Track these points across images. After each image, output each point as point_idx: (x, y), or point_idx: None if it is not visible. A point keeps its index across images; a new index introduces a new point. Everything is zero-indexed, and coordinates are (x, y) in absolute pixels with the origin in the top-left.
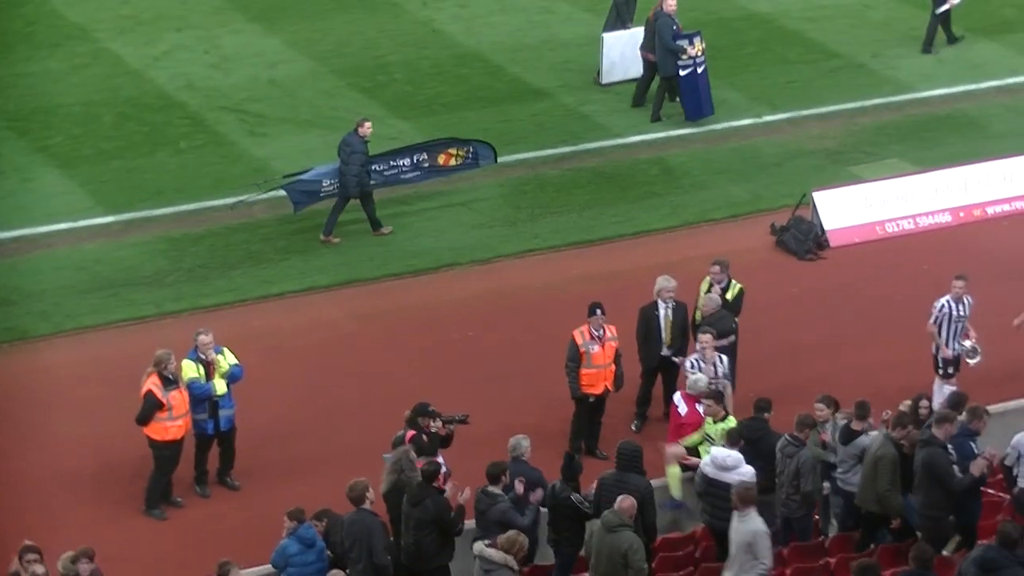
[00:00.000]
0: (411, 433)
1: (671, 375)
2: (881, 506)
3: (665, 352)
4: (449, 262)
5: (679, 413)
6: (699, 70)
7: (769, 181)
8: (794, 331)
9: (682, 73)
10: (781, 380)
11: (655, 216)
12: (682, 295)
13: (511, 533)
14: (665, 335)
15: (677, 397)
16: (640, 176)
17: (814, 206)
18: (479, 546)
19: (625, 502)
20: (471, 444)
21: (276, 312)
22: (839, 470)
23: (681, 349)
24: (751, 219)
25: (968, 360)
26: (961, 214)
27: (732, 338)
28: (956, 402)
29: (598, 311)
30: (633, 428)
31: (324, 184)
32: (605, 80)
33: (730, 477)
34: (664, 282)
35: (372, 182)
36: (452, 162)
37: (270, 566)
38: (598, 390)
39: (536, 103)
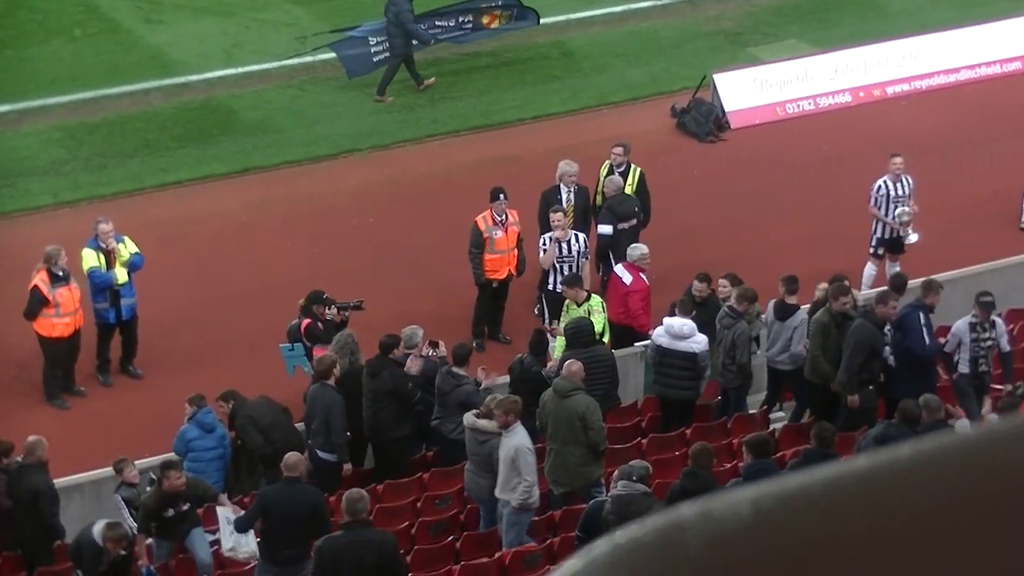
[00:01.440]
0: (307, 321)
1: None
2: (813, 372)
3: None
4: (347, 148)
5: (624, 283)
6: None
7: (668, 63)
8: (696, 213)
9: None
10: (685, 260)
11: (555, 100)
12: (583, 179)
13: (488, 399)
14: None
15: (620, 269)
16: (539, 60)
17: (714, 88)
18: (470, 418)
19: (573, 366)
20: (369, 332)
21: (173, 201)
22: (771, 348)
23: (583, 229)
24: (651, 102)
25: (904, 231)
26: (861, 94)
27: (634, 221)
28: (898, 284)
29: (501, 196)
30: (536, 312)
31: (373, 46)
32: None
33: (685, 346)
34: (566, 166)
35: (415, 42)
36: (495, 24)
37: (173, 453)
38: (501, 275)
39: None
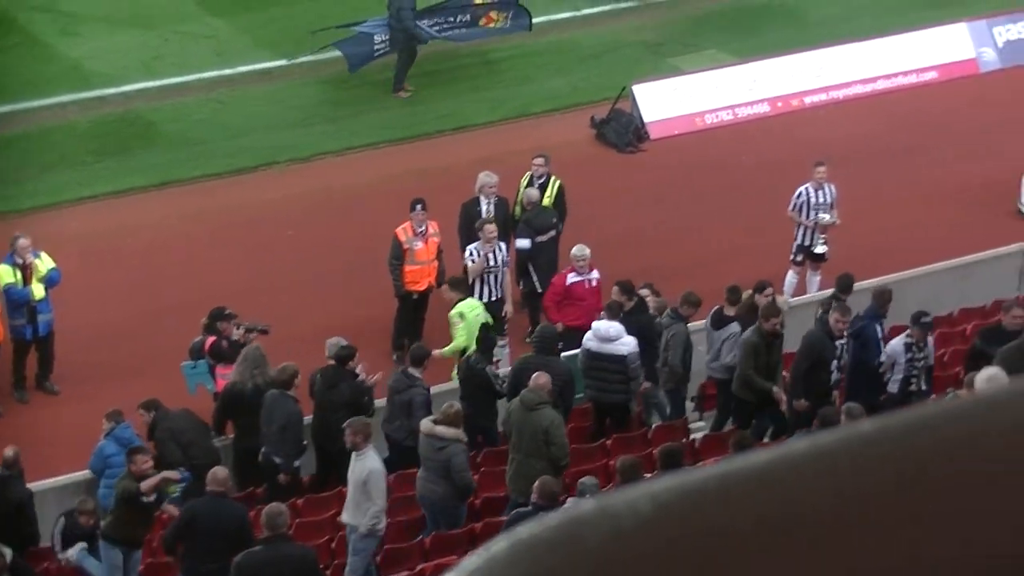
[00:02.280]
0: (212, 339)
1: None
2: (743, 388)
3: None
4: (269, 160)
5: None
6: None
7: (588, 74)
8: (616, 224)
9: None
10: (607, 271)
11: (476, 111)
12: (504, 190)
13: (447, 407)
14: None
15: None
16: (462, 71)
17: (633, 99)
18: (427, 424)
19: (541, 379)
20: (293, 343)
21: (93, 214)
22: (707, 357)
23: (504, 239)
24: (571, 113)
25: (818, 240)
26: (779, 104)
27: (552, 233)
28: (845, 285)
29: (419, 207)
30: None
31: (376, 40)
32: None
33: (614, 348)
34: (486, 177)
35: (417, 36)
36: (492, 24)
37: (89, 471)
38: (422, 286)
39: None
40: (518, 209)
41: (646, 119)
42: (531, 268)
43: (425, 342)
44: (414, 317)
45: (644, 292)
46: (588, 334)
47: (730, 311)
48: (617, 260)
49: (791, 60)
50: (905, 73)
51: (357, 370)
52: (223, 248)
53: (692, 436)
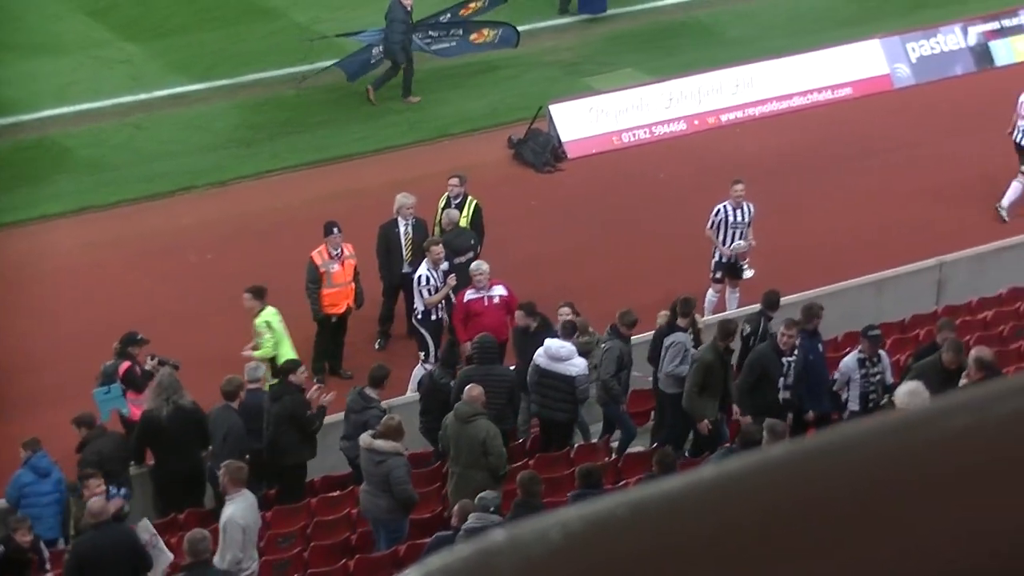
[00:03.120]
0: (126, 364)
1: (412, 292)
2: (687, 407)
3: (406, 269)
4: (186, 185)
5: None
6: None
7: (505, 95)
8: (537, 243)
9: None
10: (527, 290)
11: (393, 132)
12: (422, 211)
13: (386, 419)
14: (406, 252)
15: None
16: (376, 93)
17: (550, 118)
18: (366, 438)
19: (474, 391)
20: (214, 366)
21: (7, 242)
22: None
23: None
24: (489, 133)
25: (740, 265)
26: (696, 122)
27: (471, 254)
28: (770, 301)
29: (335, 230)
30: (376, 347)
31: (374, 52)
32: None
33: (563, 368)
34: (403, 198)
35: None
36: (481, 40)
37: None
38: (340, 309)
39: (269, 22)
40: (437, 230)
41: (563, 138)
42: (451, 293)
43: (346, 366)
44: (334, 341)
45: (564, 311)
46: (539, 350)
47: (682, 322)
48: (536, 279)
49: (707, 78)
50: (820, 89)
51: (312, 392)
52: (139, 274)
53: (614, 455)
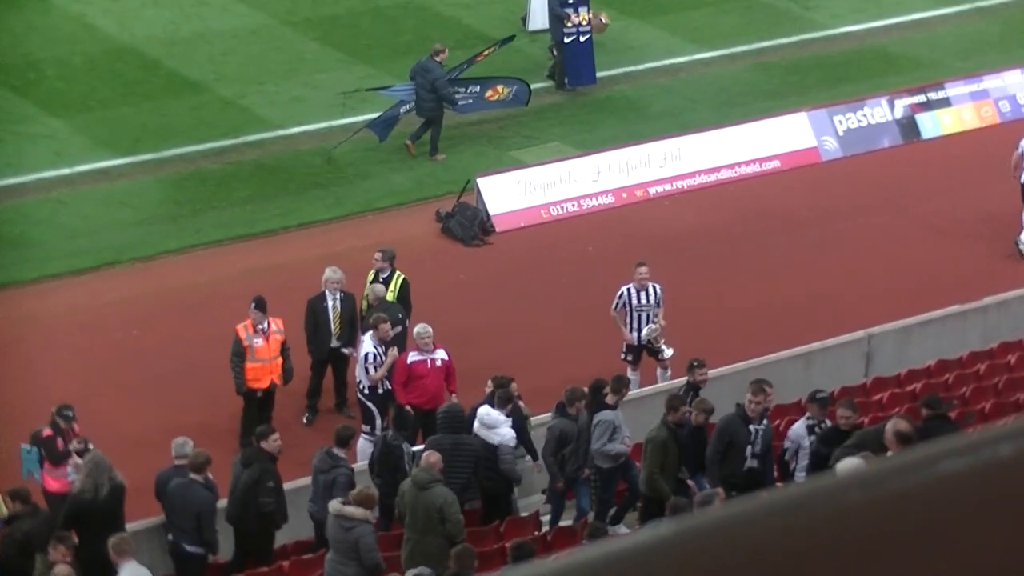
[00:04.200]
0: (48, 432)
1: (341, 366)
2: (650, 489)
3: (334, 343)
4: (109, 260)
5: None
6: (582, 39)
7: (432, 168)
8: (464, 317)
9: (566, 41)
10: (455, 364)
11: (319, 207)
12: (350, 286)
13: (361, 488)
14: (334, 326)
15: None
16: (302, 167)
17: (478, 192)
18: (336, 505)
19: (432, 457)
20: (135, 445)
21: None
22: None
23: (350, 340)
24: (416, 207)
25: (657, 347)
26: (624, 195)
27: (399, 328)
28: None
29: (258, 305)
30: (304, 421)
31: (402, 110)
32: (531, 27)
33: (488, 436)
34: (331, 273)
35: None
36: (496, 97)
37: None
38: (264, 384)
39: (194, 96)
40: (365, 304)
41: (491, 212)
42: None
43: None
44: (260, 416)
45: (493, 387)
46: (479, 412)
47: (611, 399)
48: (463, 353)
49: (635, 151)
50: (748, 162)
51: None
52: (63, 351)
53: (543, 529)
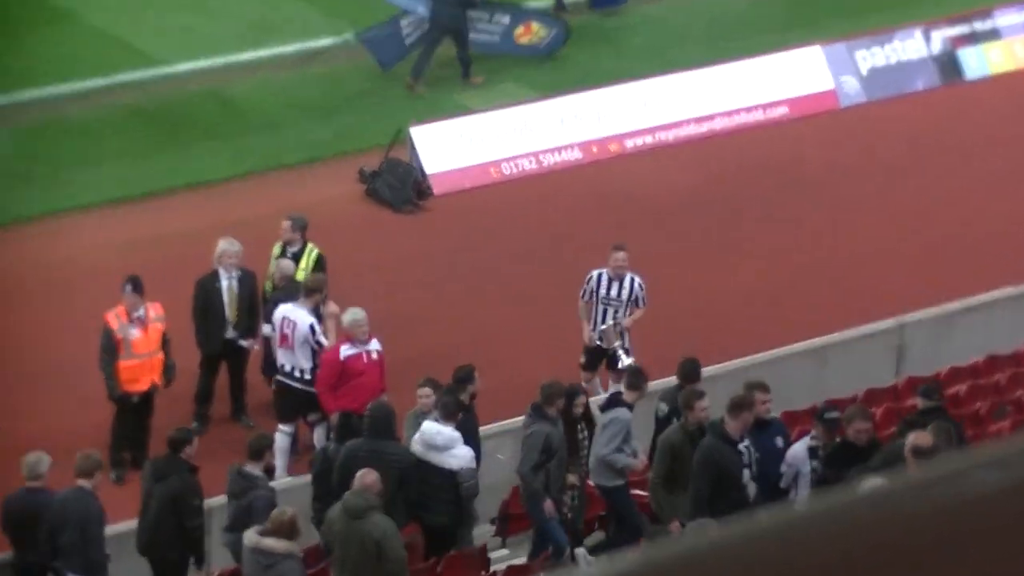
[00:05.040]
0: None
1: (238, 363)
2: (655, 504)
3: (230, 334)
4: None
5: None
6: None
7: (356, 116)
8: (394, 301)
9: None
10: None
11: (214, 163)
12: (251, 262)
13: (278, 512)
14: (229, 312)
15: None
16: (194, 114)
17: (412, 145)
18: (253, 537)
19: (368, 477)
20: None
21: None
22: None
23: (250, 329)
24: (334, 163)
25: (616, 352)
26: (594, 149)
27: None
28: (688, 371)
29: (129, 287)
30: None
31: (403, 24)
32: None
33: (442, 460)
34: (226, 245)
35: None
36: (527, 39)
37: None
38: (143, 386)
39: (55, 26)
40: (269, 285)
41: (427, 170)
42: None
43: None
44: (136, 425)
45: (424, 391)
46: (416, 435)
47: (629, 396)
48: (391, 344)
49: (608, 94)
50: (749, 109)
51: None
52: None
53: (493, 568)
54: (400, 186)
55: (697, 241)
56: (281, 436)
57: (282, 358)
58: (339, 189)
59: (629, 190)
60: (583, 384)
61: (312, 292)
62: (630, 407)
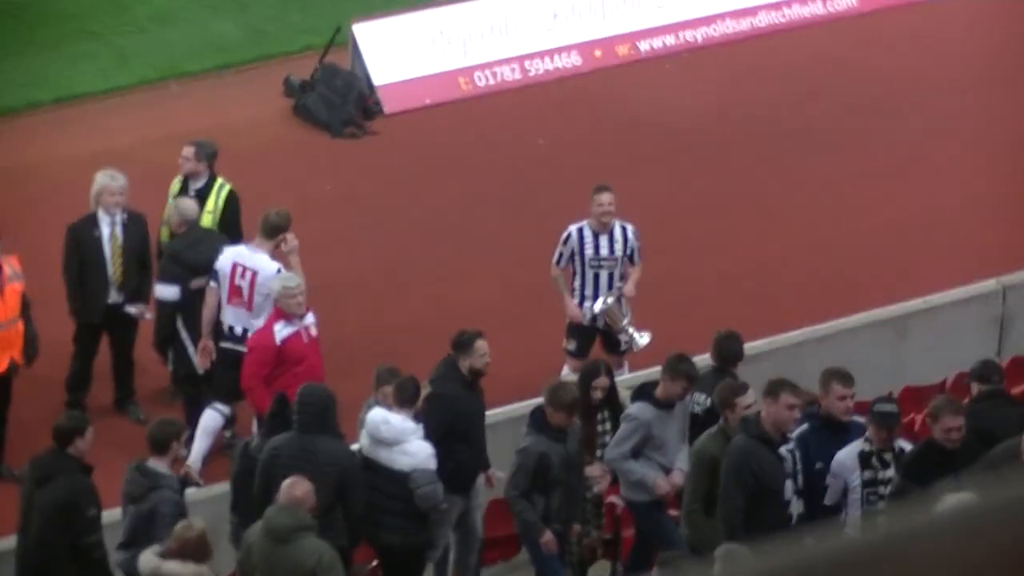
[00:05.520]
0: None
1: (125, 336)
2: (689, 531)
3: (114, 298)
4: None
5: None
6: None
7: (279, 9)
8: (328, 256)
9: None
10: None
11: (88, 72)
12: (139, 201)
13: (182, 527)
14: (113, 269)
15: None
16: (60, 5)
17: (355, 47)
18: (151, 561)
19: (298, 489)
20: None
21: None
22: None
23: (139, 292)
24: (251, 72)
25: (621, 331)
26: (597, 53)
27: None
28: (732, 350)
29: None
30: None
31: None
32: None
33: (391, 458)
34: (107, 180)
35: None
36: None
37: None
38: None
39: None
40: (164, 232)
41: (375, 80)
42: (184, 333)
43: (9, 461)
44: None
45: (386, 391)
46: (363, 431)
47: (665, 390)
48: (329, 313)
49: None
50: (803, 0)
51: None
52: None
53: None
54: (339, 102)
55: (734, 180)
56: (213, 415)
57: (231, 318)
58: (258, 106)
59: (641, 107)
60: (569, 373)
61: (277, 231)
62: (661, 404)
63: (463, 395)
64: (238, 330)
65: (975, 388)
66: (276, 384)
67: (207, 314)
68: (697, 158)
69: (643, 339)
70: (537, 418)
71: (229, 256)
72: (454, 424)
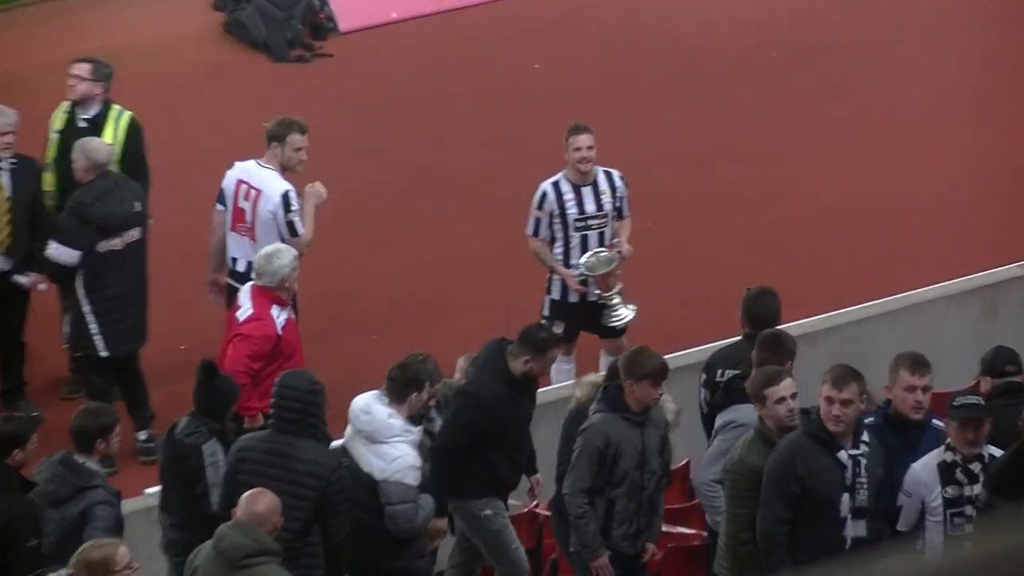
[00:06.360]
0: None
1: (14, 311)
2: (730, 559)
3: (2, 265)
4: None
5: (236, 317)
6: None
7: None
8: None
9: None
10: None
11: None
12: (28, 143)
13: (86, 548)
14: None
15: (244, 291)
16: None
17: None
18: None
19: (259, 503)
20: None
21: None
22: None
23: (30, 256)
24: None
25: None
26: None
27: (135, 233)
28: (766, 313)
29: None
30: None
31: None
32: None
33: (365, 458)
34: None
35: None
36: None
37: None
38: None
39: None
40: (48, 179)
41: None
42: (90, 307)
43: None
44: None
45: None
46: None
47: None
48: None
49: None
50: None
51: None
52: None
53: None
54: (283, 17)
55: (762, 116)
56: None
57: (234, 247)
58: (187, 21)
59: (660, 23)
60: (565, 363)
61: (283, 136)
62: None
63: (504, 396)
64: (241, 265)
65: (988, 383)
66: (264, 383)
67: (215, 243)
68: (729, 86)
69: (628, 313)
70: (611, 395)
71: (237, 172)
72: (487, 431)
